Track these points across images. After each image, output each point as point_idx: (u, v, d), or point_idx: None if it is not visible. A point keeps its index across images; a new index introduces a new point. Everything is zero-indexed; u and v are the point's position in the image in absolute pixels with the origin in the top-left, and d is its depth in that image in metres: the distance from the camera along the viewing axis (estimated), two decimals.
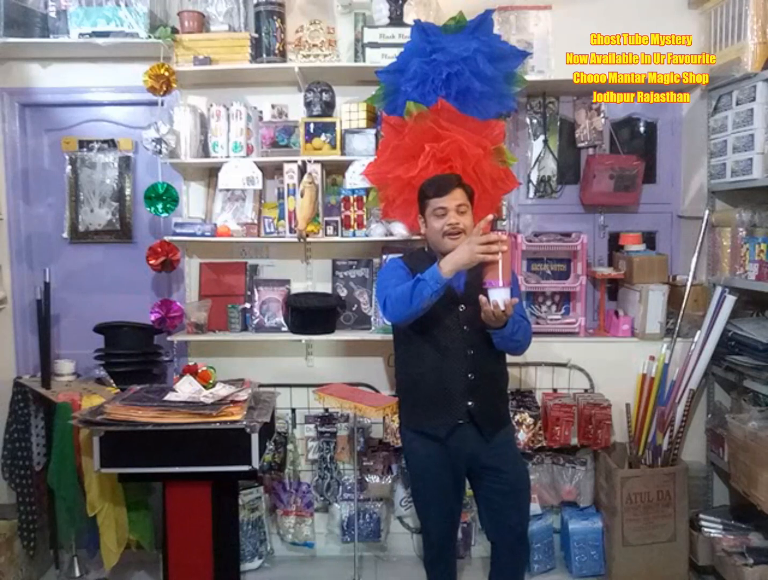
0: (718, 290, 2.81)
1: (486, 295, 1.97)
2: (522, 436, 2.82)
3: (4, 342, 3.08)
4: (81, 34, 2.75)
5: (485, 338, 2.10)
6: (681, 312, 2.91)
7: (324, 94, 2.83)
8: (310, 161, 2.82)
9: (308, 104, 2.85)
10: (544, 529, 2.96)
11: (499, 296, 1.94)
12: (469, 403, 2.14)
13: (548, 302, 3.14)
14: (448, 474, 2.20)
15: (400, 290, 2.04)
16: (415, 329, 2.17)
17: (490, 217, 2.02)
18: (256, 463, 2.29)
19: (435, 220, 2.15)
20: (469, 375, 2.14)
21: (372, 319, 2.99)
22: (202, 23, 2.87)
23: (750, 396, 2.76)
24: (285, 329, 2.97)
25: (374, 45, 2.79)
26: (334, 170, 3.00)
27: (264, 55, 2.83)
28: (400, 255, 2.46)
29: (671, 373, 2.89)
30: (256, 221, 2.94)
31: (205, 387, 2.44)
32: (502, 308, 1.93)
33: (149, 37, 2.74)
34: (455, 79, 2.54)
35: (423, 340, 2.17)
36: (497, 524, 2.25)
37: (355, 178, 2.83)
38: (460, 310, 2.14)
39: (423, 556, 2.41)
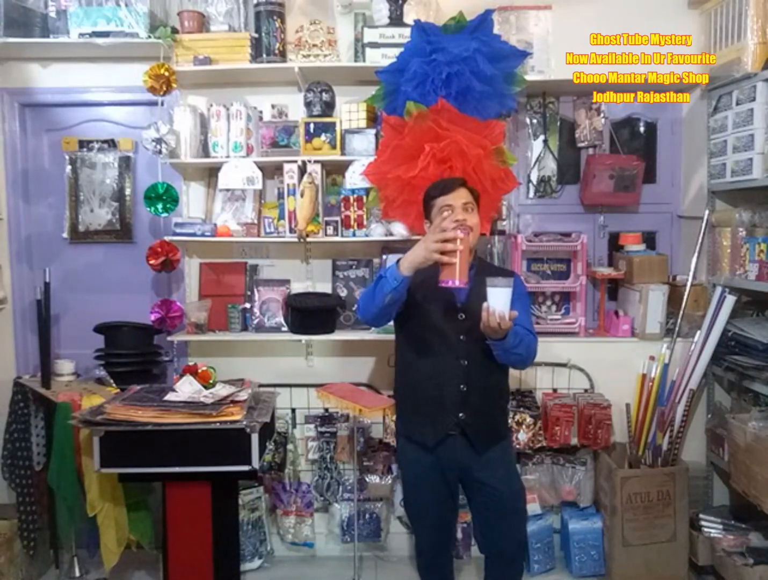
0: (718, 289, 2.81)
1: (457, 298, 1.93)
2: (522, 436, 2.82)
3: (4, 342, 3.08)
4: (81, 34, 2.75)
5: (482, 350, 2.04)
6: (681, 312, 2.91)
7: (324, 94, 2.83)
8: (310, 161, 2.82)
9: (308, 104, 2.85)
10: (544, 529, 2.96)
11: (497, 304, 1.87)
12: (461, 414, 2.09)
13: (548, 302, 3.13)
14: (440, 483, 2.17)
15: (368, 287, 2.05)
16: (412, 335, 2.16)
17: (446, 214, 2.03)
18: (256, 463, 2.29)
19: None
20: (462, 386, 2.09)
21: None
22: (202, 23, 2.87)
23: (750, 396, 2.76)
24: (285, 329, 2.97)
25: (374, 45, 2.79)
26: (334, 170, 3.00)
27: (264, 55, 2.83)
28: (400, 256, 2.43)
29: (671, 373, 2.89)
30: (256, 221, 2.94)
31: (205, 387, 2.44)
32: (498, 320, 1.86)
33: (149, 37, 2.74)
34: (455, 79, 2.54)
35: (419, 347, 2.14)
36: (488, 541, 2.25)
37: (355, 178, 2.83)
38: (460, 318, 2.09)
39: (416, 562, 2.40)
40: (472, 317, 2.00)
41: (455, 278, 1.89)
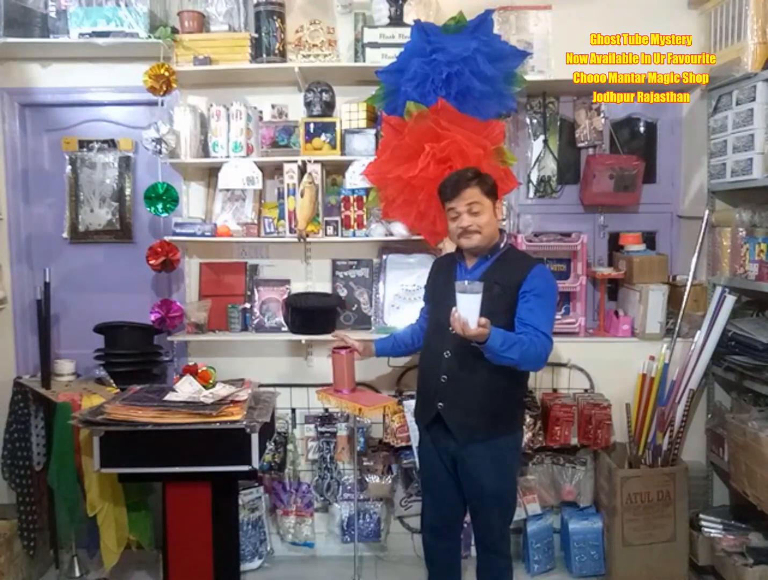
0: (718, 290, 2.81)
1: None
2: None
3: (4, 342, 3.08)
4: (81, 34, 2.75)
5: (473, 346, 2.01)
6: (681, 312, 2.91)
7: (324, 94, 2.83)
8: (310, 161, 2.82)
9: (308, 104, 2.85)
10: (544, 529, 2.96)
11: (463, 310, 1.84)
12: (440, 404, 2.16)
13: None
14: (437, 461, 2.25)
15: None
16: (426, 323, 2.35)
17: (336, 335, 2.49)
18: (256, 463, 2.29)
19: (450, 222, 2.16)
20: (443, 377, 2.14)
21: (372, 319, 2.99)
22: (202, 23, 2.87)
23: (750, 396, 2.76)
24: (285, 329, 2.97)
25: (374, 45, 2.79)
26: (334, 170, 3.00)
27: (264, 55, 2.83)
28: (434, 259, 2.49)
29: (671, 373, 2.88)
30: (256, 221, 2.94)
31: (205, 387, 2.44)
32: (461, 326, 1.84)
33: (149, 37, 2.74)
34: (455, 79, 2.54)
35: (425, 335, 2.33)
36: (473, 523, 2.31)
37: (355, 178, 2.83)
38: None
39: (421, 539, 2.46)
40: None
41: (342, 386, 2.39)
